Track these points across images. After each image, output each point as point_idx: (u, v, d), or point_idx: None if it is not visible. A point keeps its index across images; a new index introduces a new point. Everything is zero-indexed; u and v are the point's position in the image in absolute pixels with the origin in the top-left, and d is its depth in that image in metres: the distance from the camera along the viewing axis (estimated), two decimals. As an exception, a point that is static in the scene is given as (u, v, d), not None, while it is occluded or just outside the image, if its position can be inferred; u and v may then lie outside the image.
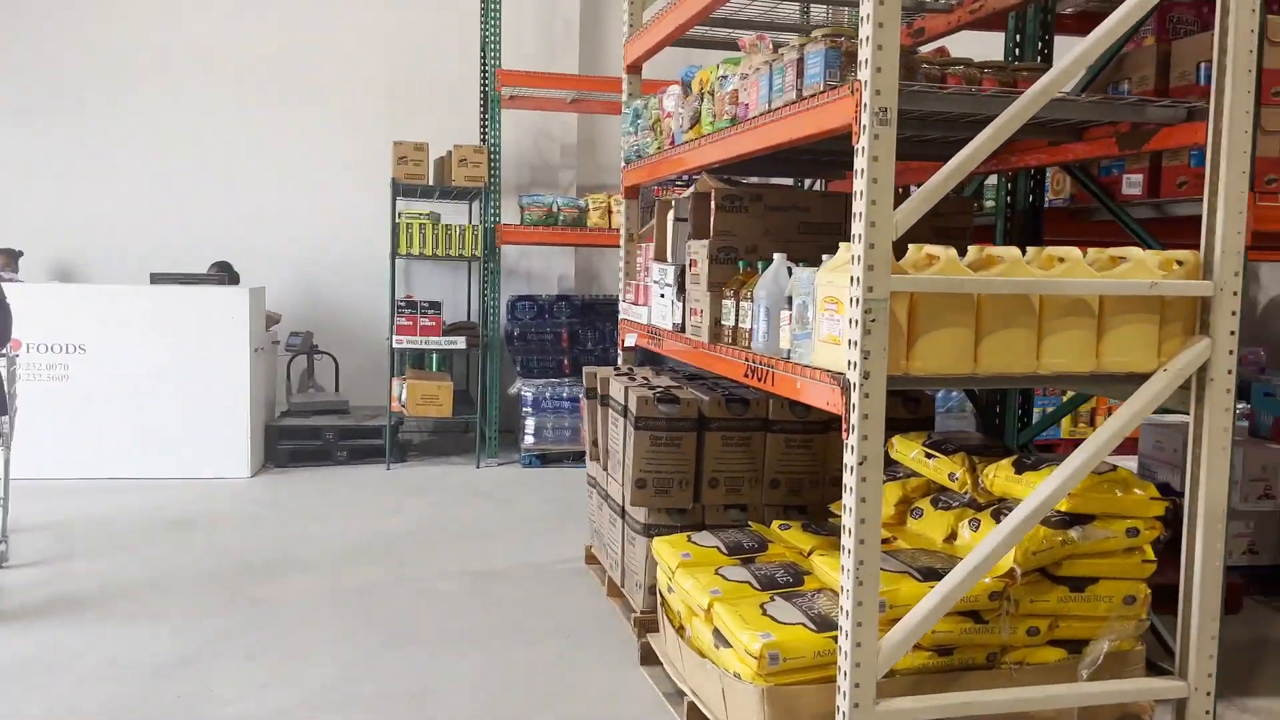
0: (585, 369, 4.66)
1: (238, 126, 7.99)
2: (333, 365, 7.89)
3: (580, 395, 7.10)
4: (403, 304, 6.88)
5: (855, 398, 2.48)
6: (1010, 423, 4.03)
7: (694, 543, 3.43)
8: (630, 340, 4.65)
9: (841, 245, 2.72)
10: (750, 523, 3.68)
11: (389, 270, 6.93)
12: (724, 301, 3.40)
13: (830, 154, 3.90)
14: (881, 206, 2.46)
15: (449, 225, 6.93)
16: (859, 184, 2.48)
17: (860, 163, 2.46)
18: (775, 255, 3.15)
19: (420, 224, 6.85)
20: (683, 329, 3.89)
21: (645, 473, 3.75)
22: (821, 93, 2.69)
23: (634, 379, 4.24)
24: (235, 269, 7.52)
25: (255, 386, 6.64)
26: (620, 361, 4.94)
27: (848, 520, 2.53)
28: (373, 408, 7.64)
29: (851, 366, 2.49)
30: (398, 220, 6.93)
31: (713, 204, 3.51)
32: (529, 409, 7.11)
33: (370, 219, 7.97)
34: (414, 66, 8.12)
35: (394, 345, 6.87)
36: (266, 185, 8.04)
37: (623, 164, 4.83)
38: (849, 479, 2.51)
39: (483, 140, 7.78)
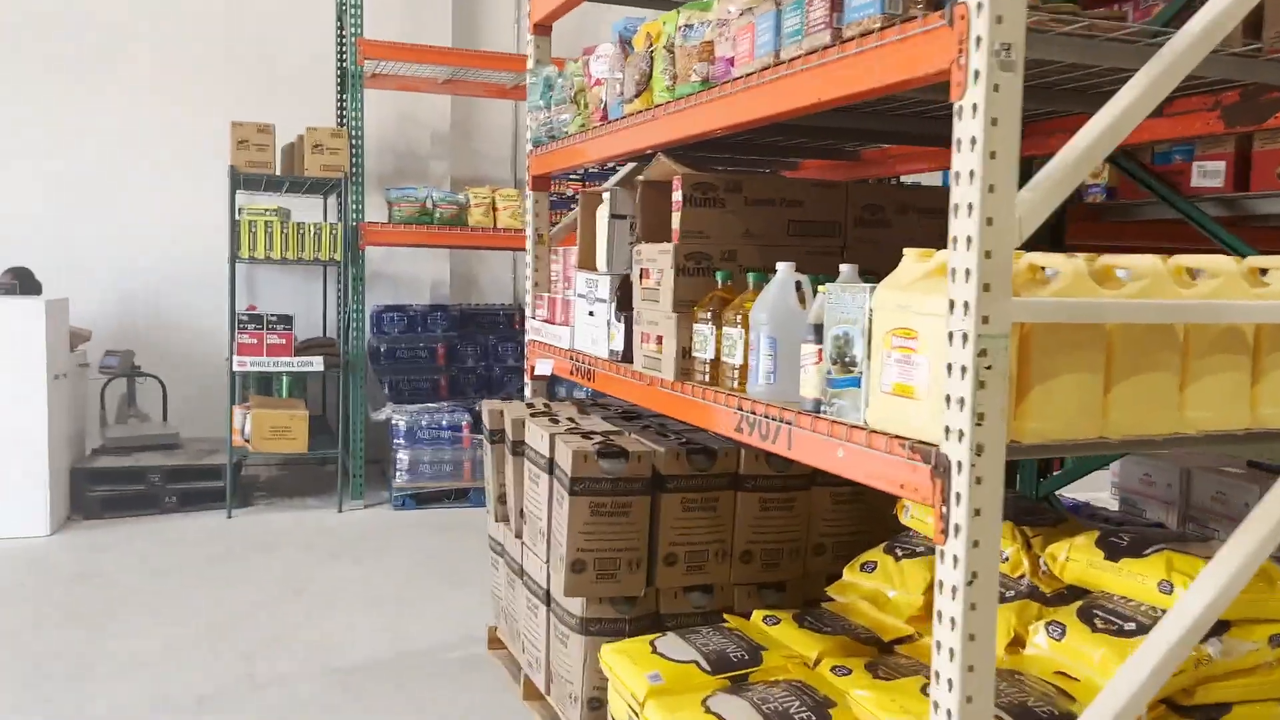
0: (486, 406, 3.70)
1: (40, 103, 6.60)
2: (159, 390, 6.61)
3: (461, 422, 6.09)
4: (245, 318, 5.71)
5: (961, 482, 1.64)
6: (1026, 466, 3.29)
7: (662, 655, 2.53)
8: (543, 368, 3.71)
9: (910, 253, 1.88)
10: (724, 614, 2.80)
11: (227, 277, 5.74)
12: (698, 326, 2.52)
13: (816, 131, 3.07)
14: (1002, 195, 1.62)
15: (301, 224, 5.80)
16: (965, 160, 1.64)
17: (969, 128, 1.62)
18: (780, 265, 2.29)
19: (266, 221, 5.70)
20: (626, 359, 2.99)
21: (584, 551, 2.82)
22: (881, 29, 1.84)
23: (556, 420, 3.30)
24: (35, 277, 6.16)
25: (55, 420, 5.36)
26: (529, 393, 3.99)
27: (946, 667, 1.68)
28: (210, 441, 6.41)
29: (954, 436, 1.65)
30: (238, 217, 5.75)
31: (679, 195, 2.62)
32: (401, 440, 6.05)
33: (205, 216, 6.73)
34: (258, 37, 6.91)
35: (235, 368, 5.69)
36: (76, 174, 6.68)
37: (530, 148, 3.89)
38: (949, 605, 1.67)
39: (340, 123, 6.66)
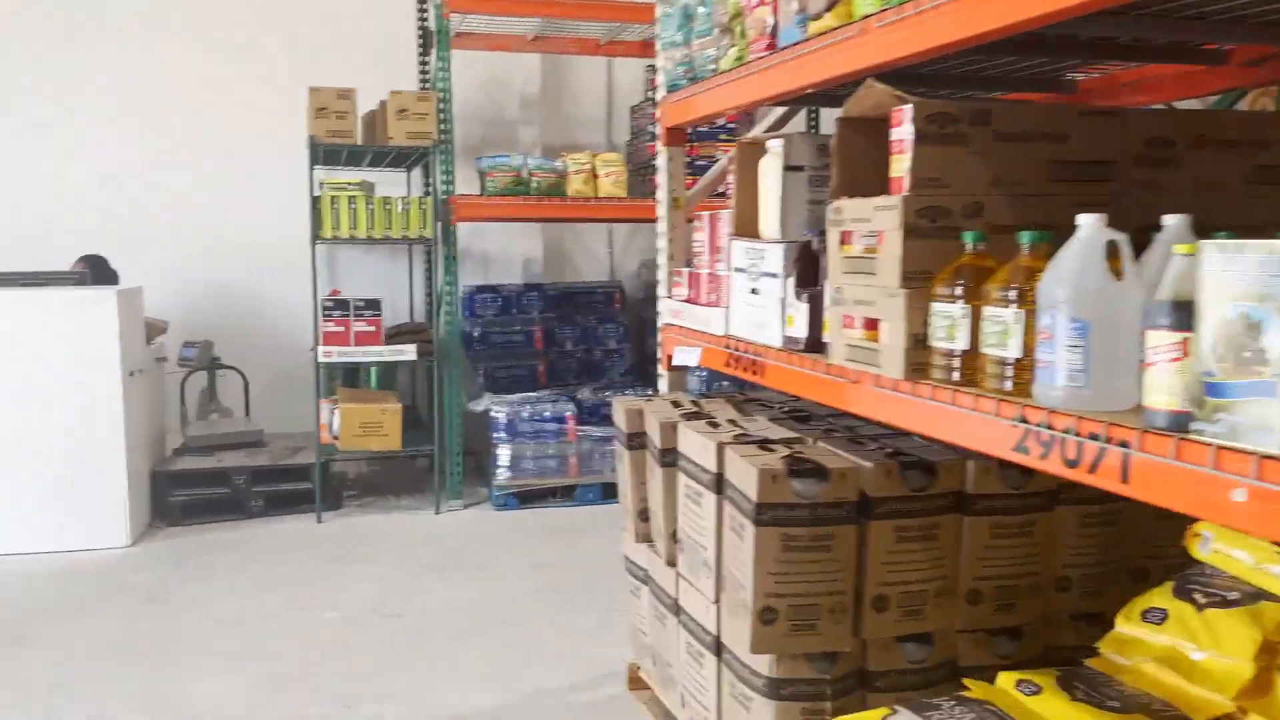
0: (621, 404, 3.10)
1: (105, 83, 6.17)
2: (240, 383, 6.18)
3: (565, 413, 5.52)
4: (329, 304, 5.20)
5: None
6: None
7: (903, 746, 1.90)
8: (684, 358, 3.09)
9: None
10: (966, 682, 2.16)
11: (309, 260, 5.24)
12: (941, 306, 1.87)
13: (1033, 47, 2.38)
14: None
15: (387, 198, 5.26)
16: None
17: None
18: (1084, 219, 1.63)
19: (349, 197, 5.17)
20: (812, 348, 2.36)
21: (775, 596, 2.21)
22: None
23: (715, 423, 2.69)
24: (109, 265, 5.75)
25: (133, 420, 4.92)
26: (664, 388, 3.39)
27: None
28: (294, 437, 5.95)
29: None
30: (318, 193, 5.24)
31: (906, 131, 1.96)
32: (501, 434, 5.51)
33: (279, 193, 6.25)
34: (330, -2, 6.39)
35: (320, 359, 5.19)
36: (144, 154, 6.25)
37: (662, 93, 3.26)
38: None
39: (423, 86, 6.11)
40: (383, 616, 3.94)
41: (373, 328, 5.22)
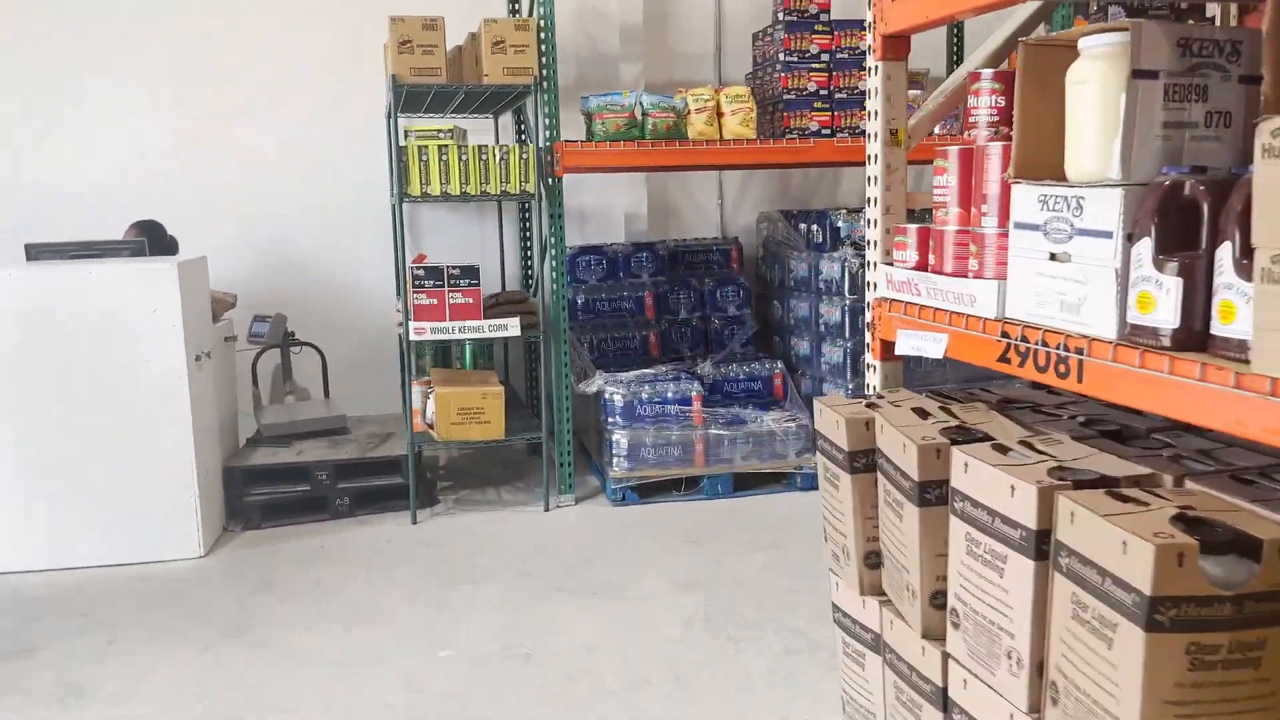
0: (828, 407, 2.32)
1: (155, 31, 5.47)
2: (318, 360, 5.52)
3: (690, 393, 4.76)
4: (419, 272, 4.48)
5: None
6: None
7: None
8: (923, 346, 2.29)
9: None
10: None
11: (391, 222, 4.51)
12: None
13: None
14: None
15: (483, 146, 4.50)
16: None
17: None
18: None
19: (440, 146, 4.42)
20: (1184, 343, 1.56)
21: (1181, 741, 1.43)
22: None
23: (1001, 446, 1.90)
24: (166, 232, 5.10)
25: (200, 411, 4.27)
26: (874, 383, 2.60)
27: None
28: (379, 421, 5.30)
29: None
30: (403, 143, 4.50)
31: None
32: (617, 418, 4.77)
33: (357, 145, 5.54)
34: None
35: (412, 336, 4.48)
36: (201, 108, 5.56)
37: (882, -11, 2.43)
38: None
39: (513, 14, 5.31)
40: (508, 658, 3.24)
41: (470, 300, 4.49)
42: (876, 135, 2.52)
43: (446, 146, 4.41)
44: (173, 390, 4.13)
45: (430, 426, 4.62)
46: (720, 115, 4.82)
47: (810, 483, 4.87)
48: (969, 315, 2.12)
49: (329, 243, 5.69)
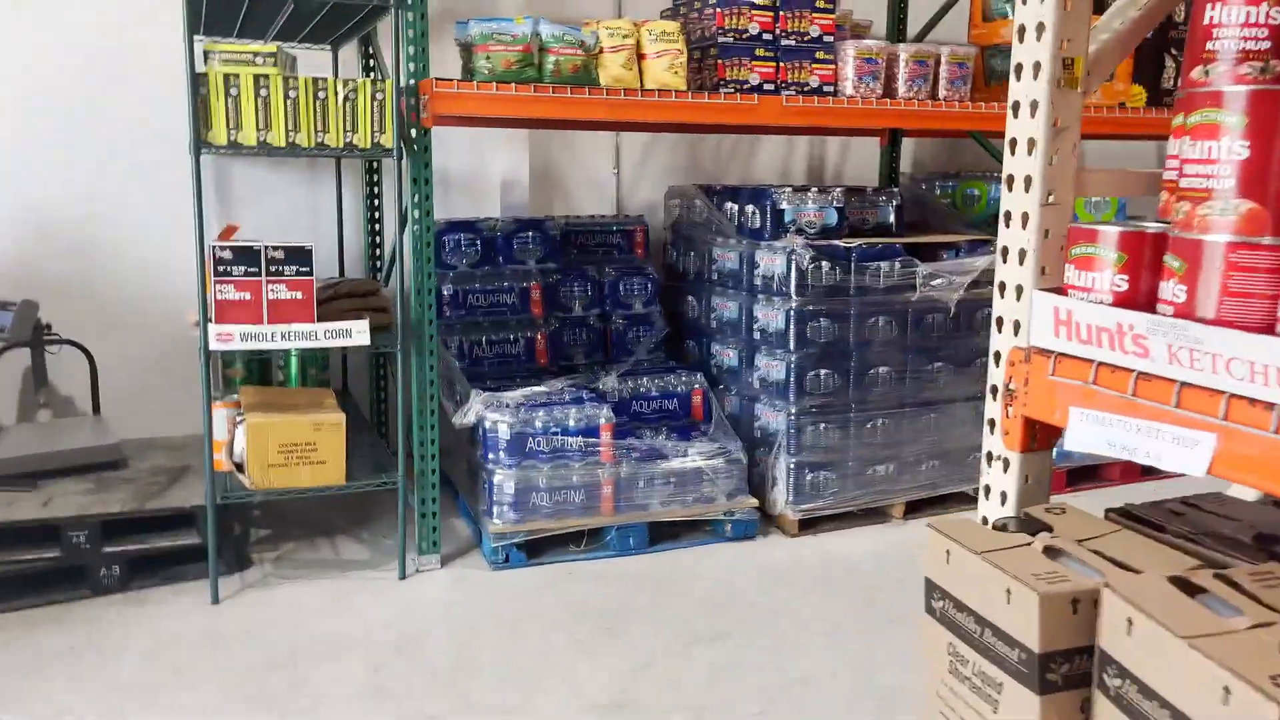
0: (944, 541, 1.27)
1: None
2: (85, 365, 4.09)
3: (598, 420, 3.67)
4: (226, 254, 3.16)
5: None
6: None
7: None
8: (1156, 449, 1.26)
9: None
10: None
11: (191, 178, 3.15)
12: None
13: None
14: None
15: (318, 80, 3.21)
16: None
17: None
18: None
19: (256, 76, 3.10)
20: None
21: None
22: None
23: None
24: None
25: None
26: (1014, 491, 1.55)
27: None
28: (170, 447, 3.95)
29: None
30: (201, 68, 3.15)
31: None
32: (500, 455, 3.60)
33: (156, 74, 4.13)
34: None
35: (214, 344, 3.16)
36: (-86, 7, 3.99)
37: None
38: None
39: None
40: None
41: (299, 294, 3.21)
42: (1038, 69, 1.46)
43: (266, 76, 3.10)
44: None
45: (240, 468, 3.32)
46: (641, 57, 3.69)
47: (743, 531, 3.86)
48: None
49: (108, 207, 4.23)
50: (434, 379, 3.54)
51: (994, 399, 1.54)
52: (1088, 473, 4.47)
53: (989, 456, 1.57)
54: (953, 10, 4.92)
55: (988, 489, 1.58)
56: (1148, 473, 4.11)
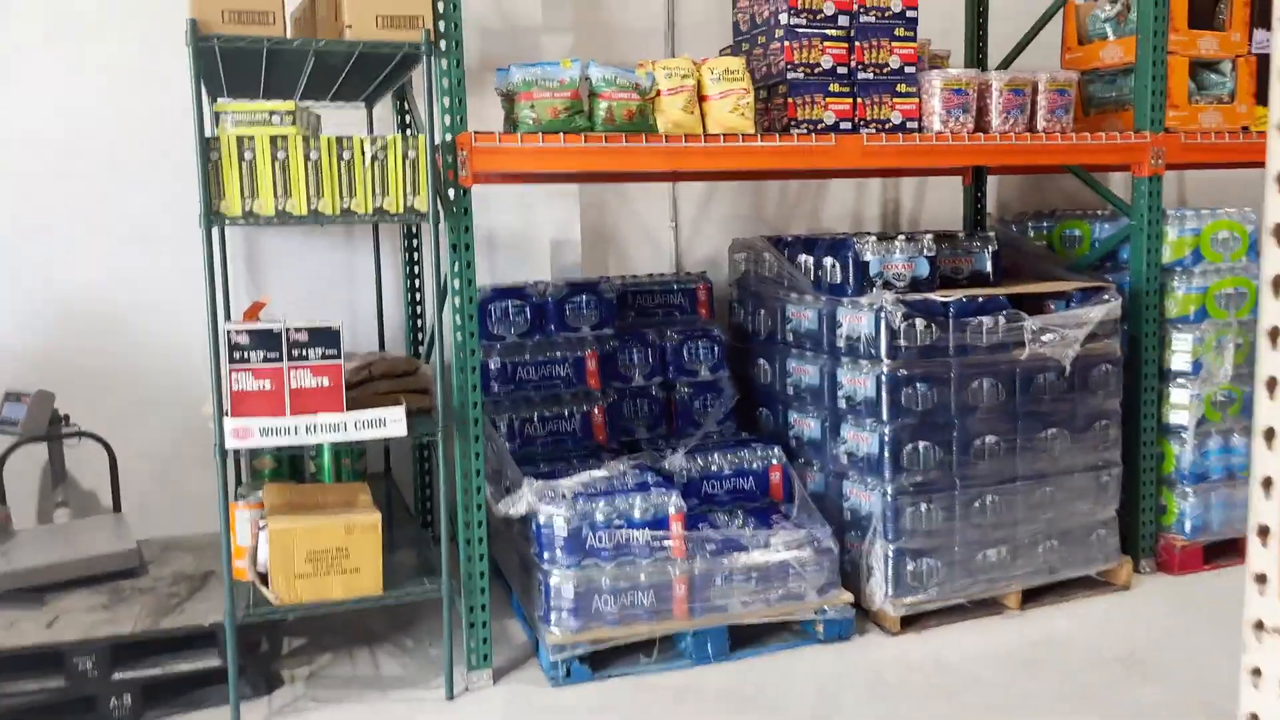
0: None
1: None
2: (104, 457, 3.75)
3: (667, 508, 3.22)
4: (243, 338, 2.78)
5: None
6: None
7: None
8: None
9: None
10: None
11: (204, 254, 2.79)
12: None
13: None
14: None
15: (343, 140, 2.85)
16: None
17: None
18: None
19: (273, 138, 2.75)
20: None
21: None
22: None
23: None
24: None
25: None
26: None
27: None
28: (195, 547, 3.57)
29: None
30: (212, 133, 2.81)
31: None
32: (558, 553, 3.16)
33: (176, 137, 3.84)
34: None
35: (230, 443, 2.78)
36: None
37: None
38: None
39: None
40: None
41: (325, 380, 2.82)
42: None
43: (284, 138, 2.75)
44: None
45: (264, 579, 2.92)
46: (703, 99, 3.29)
47: (837, 631, 3.36)
48: None
49: (127, 282, 3.92)
50: (480, 468, 3.12)
51: (1263, 543, 1.08)
52: (1227, 548, 3.91)
53: (1258, 625, 1.10)
54: (1040, 35, 4.47)
55: (1257, 671, 1.10)
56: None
